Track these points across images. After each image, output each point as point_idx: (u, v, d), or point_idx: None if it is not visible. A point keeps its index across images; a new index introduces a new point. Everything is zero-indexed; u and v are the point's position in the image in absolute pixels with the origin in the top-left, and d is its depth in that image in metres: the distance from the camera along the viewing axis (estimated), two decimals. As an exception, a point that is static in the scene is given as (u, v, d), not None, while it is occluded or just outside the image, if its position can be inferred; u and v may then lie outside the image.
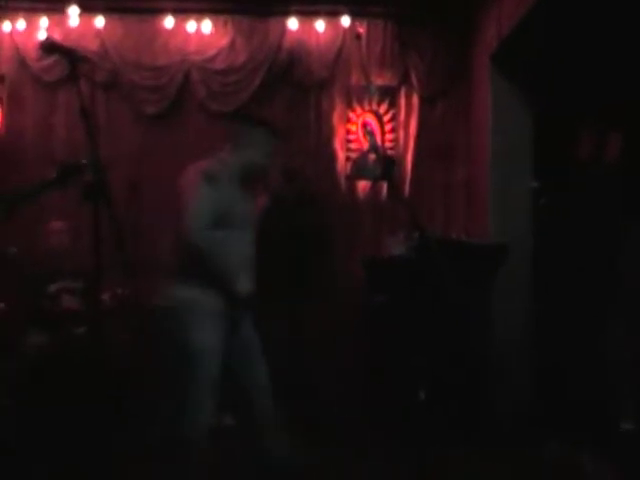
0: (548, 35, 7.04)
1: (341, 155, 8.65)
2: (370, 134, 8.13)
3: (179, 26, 8.64)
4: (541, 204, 5.48)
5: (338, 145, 8.66)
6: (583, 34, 7.06)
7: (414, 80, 8.72)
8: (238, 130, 4.98)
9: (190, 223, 4.52)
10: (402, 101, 8.75)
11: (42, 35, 8.42)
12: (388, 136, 8.67)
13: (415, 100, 8.75)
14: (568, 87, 7.58)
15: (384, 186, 8.56)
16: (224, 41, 8.68)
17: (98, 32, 8.58)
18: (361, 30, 8.55)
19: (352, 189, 8.69)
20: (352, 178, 8.64)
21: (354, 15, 8.61)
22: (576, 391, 6.99)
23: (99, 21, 8.57)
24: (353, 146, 8.65)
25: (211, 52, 8.69)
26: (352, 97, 8.68)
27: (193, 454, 4.53)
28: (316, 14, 8.63)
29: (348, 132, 8.67)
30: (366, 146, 8.50)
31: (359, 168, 8.56)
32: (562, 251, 7.53)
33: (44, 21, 8.57)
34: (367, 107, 8.64)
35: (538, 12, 6.63)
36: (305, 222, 7.79)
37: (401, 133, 8.70)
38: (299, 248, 7.62)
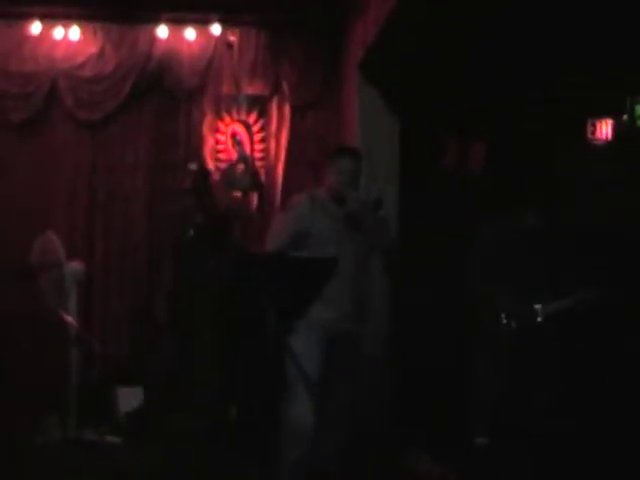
0: (411, 44, 6.96)
1: (211, 165, 8.49)
2: (239, 144, 8.03)
3: (46, 32, 8.42)
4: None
5: (208, 155, 8.50)
6: (448, 42, 7.01)
7: (286, 89, 8.63)
8: (327, 162, 5.46)
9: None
10: (273, 111, 8.66)
11: None
12: (258, 146, 8.55)
13: (287, 110, 8.67)
14: (435, 96, 7.53)
15: (254, 197, 8.41)
16: (93, 49, 8.50)
17: (-39, 38, 8.31)
18: (232, 39, 8.40)
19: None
20: (222, 189, 8.46)
21: (225, 23, 8.48)
22: (434, 408, 6.92)
23: (-38, 26, 8.29)
24: (222, 156, 8.52)
25: (79, 60, 8.49)
26: (221, 107, 8.55)
27: None
28: (186, 22, 8.48)
29: (217, 142, 8.52)
30: (235, 156, 8.35)
31: (228, 179, 8.39)
32: (424, 262, 7.47)
33: None
34: (236, 117, 8.50)
35: (398, 19, 6.52)
36: None
37: (272, 143, 8.59)
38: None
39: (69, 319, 7.16)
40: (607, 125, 8.06)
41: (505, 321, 5.77)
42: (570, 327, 5.92)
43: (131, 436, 7.16)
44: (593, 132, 8.07)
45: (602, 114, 7.99)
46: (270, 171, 8.58)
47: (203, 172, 7.87)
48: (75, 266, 7.33)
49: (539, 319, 5.74)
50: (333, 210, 5.34)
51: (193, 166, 7.81)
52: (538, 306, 5.73)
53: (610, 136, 8.03)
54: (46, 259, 7.21)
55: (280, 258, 4.87)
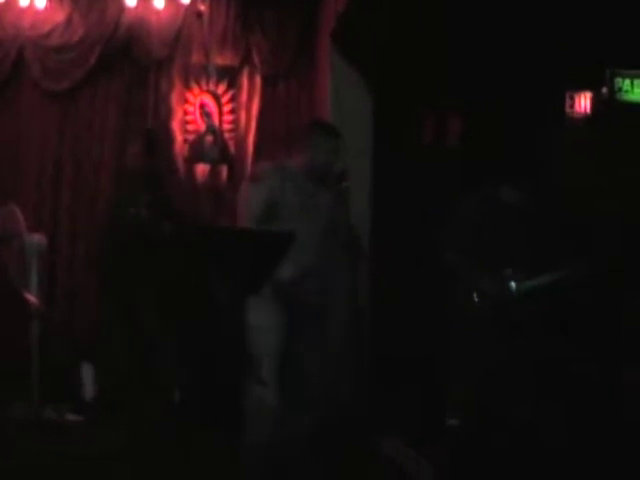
0: (384, 12, 6.78)
1: (179, 137, 8.32)
2: (207, 115, 7.86)
3: (12, 0, 8.17)
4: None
5: (176, 127, 8.32)
6: (421, 12, 6.84)
7: (256, 60, 8.41)
8: (302, 136, 5.41)
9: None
10: (244, 81, 8.45)
11: None
12: (227, 117, 8.35)
13: (258, 80, 8.46)
14: (408, 69, 7.36)
15: (223, 170, 8.23)
16: (60, 17, 8.26)
17: None
18: (202, 8, 8.17)
19: (191, 172, 8.33)
20: (190, 161, 8.28)
21: (195, -8, 8.24)
22: (405, 388, 6.83)
23: None
24: (191, 128, 8.32)
25: (46, 28, 8.26)
26: (190, 77, 8.35)
27: None
28: (155, -10, 8.24)
29: (186, 113, 8.33)
30: (204, 128, 8.16)
31: (197, 151, 8.21)
32: (399, 237, 7.33)
33: None
34: (205, 87, 8.30)
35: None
36: None
37: (242, 114, 8.38)
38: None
39: (29, 296, 6.99)
40: (586, 98, 7.91)
41: (477, 299, 5.66)
42: (545, 305, 5.82)
43: (94, 415, 7.01)
44: (572, 105, 7.93)
45: (581, 87, 7.85)
46: (240, 143, 8.36)
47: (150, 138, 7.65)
48: (37, 238, 7.16)
49: (513, 295, 5.62)
50: (305, 186, 5.24)
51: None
52: (513, 284, 5.62)
53: (589, 110, 7.89)
54: (6, 230, 7.04)
55: (232, 231, 4.74)
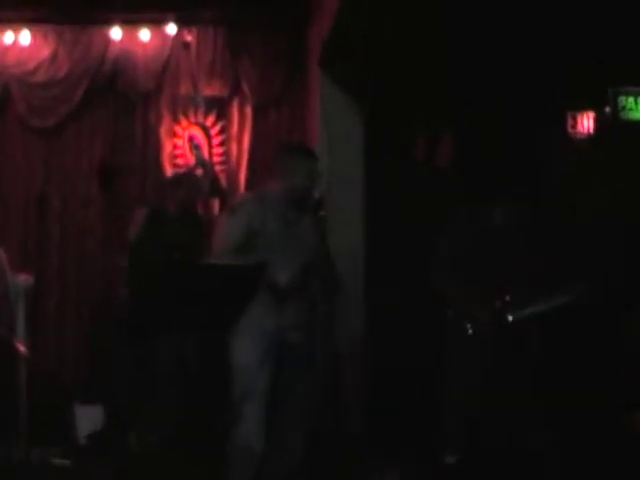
0: (370, 35, 6.64)
1: (169, 171, 8.15)
2: (196, 148, 7.70)
3: (-4, 37, 8.10)
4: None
5: (165, 160, 8.17)
6: (407, 33, 6.68)
7: (246, 88, 8.25)
8: (281, 161, 5.21)
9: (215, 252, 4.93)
10: (234, 112, 8.30)
11: None
12: (217, 150, 8.19)
13: (248, 111, 8.30)
14: (398, 90, 7.20)
15: (215, 203, 8.05)
16: (45, 53, 8.21)
17: None
18: (189, 38, 8.08)
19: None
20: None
21: (181, 22, 8.13)
22: (404, 423, 6.63)
23: None
24: (180, 161, 8.16)
25: (31, 65, 8.21)
26: (178, 109, 8.21)
27: None
28: (140, 23, 8.15)
29: (175, 147, 8.19)
30: (193, 161, 7.98)
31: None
32: (393, 259, 7.15)
33: None
34: (193, 120, 8.15)
35: (348, 12, 6.16)
36: None
37: (233, 146, 8.23)
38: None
39: (17, 342, 6.80)
40: (588, 118, 7.76)
41: (471, 331, 5.48)
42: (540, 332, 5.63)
43: (84, 459, 6.79)
44: (574, 126, 7.78)
45: (583, 107, 7.71)
46: (232, 176, 8.20)
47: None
48: (22, 279, 6.95)
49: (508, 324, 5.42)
50: (286, 214, 5.05)
51: None
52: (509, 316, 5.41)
53: (592, 130, 7.74)
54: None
55: (201, 266, 4.57)
